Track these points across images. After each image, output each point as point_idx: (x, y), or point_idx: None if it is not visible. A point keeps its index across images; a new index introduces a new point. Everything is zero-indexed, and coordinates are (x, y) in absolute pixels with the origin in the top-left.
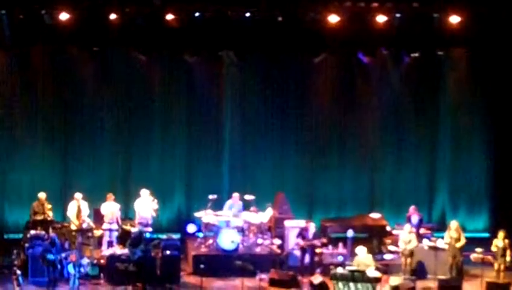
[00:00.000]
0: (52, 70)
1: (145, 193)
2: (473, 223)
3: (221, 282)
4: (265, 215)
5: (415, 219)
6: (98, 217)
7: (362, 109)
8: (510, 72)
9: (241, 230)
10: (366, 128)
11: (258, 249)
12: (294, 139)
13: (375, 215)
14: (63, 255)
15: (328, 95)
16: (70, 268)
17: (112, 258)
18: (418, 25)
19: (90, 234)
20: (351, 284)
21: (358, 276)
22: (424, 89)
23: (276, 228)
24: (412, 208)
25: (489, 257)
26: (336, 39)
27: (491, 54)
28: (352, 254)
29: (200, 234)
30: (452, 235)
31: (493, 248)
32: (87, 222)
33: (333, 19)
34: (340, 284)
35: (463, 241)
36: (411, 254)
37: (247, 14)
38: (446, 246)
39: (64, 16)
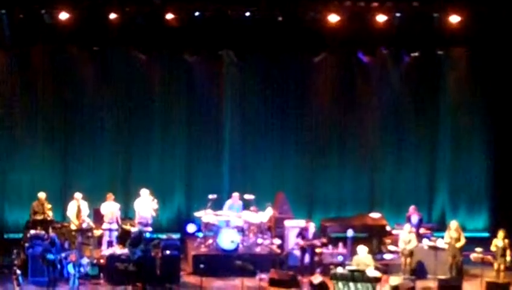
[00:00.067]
0: (52, 70)
1: (145, 192)
2: (472, 222)
3: (221, 282)
4: (265, 215)
5: (414, 218)
6: (97, 217)
7: (362, 109)
8: (510, 72)
9: (241, 230)
10: (366, 128)
11: (258, 249)
12: (294, 139)
13: (375, 215)
14: (63, 255)
15: (328, 95)
16: (70, 268)
17: (112, 258)
18: (418, 25)
19: (90, 234)
20: (351, 284)
21: (358, 276)
22: (424, 88)
23: (276, 228)
24: (411, 208)
25: (489, 257)
26: (336, 39)
27: (491, 53)
28: (352, 254)
29: (200, 234)
30: (452, 235)
31: (492, 248)
32: (87, 222)
33: (333, 18)
34: (340, 284)
35: (463, 241)
36: (411, 253)
37: (247, 14)
38: (446, 246)
39: (64, 16)
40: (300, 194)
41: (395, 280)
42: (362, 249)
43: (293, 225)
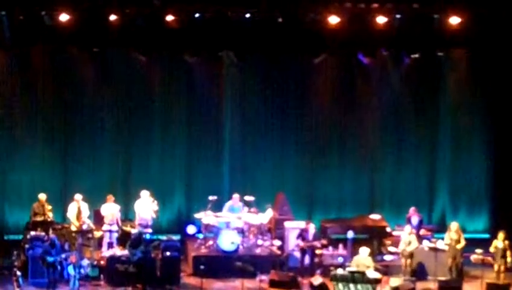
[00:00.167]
0: (52, 70)
1: (145, 194)
2: (473, 224)
3: (221, 283)
4: (265, 217)
5: (415, 220)
6: (98, 219)
7: (362, 109)
8: (510, 72)
9: (241, 231)
10: (366, 129)
11: (258, 250)
12: (294, 139)
13: (375, 216)
14: (63, 256)
15: (328, 96)
16: (70, 269)
17: (112, 259)
18: (418, 26)
19: (90, 235)
20: (351, 285)
21: (358, 277)
22: (424, 89)
23: (276, 229)
24: (412, 209)
25: (489, 258)
26: (336, 40)
27: (491, 54)
28: (352, 255)
29: (200, 235)
30: (452, 237)
31: (492, 249)
32: (87, 223)
33: (333, 19)
34: (340, 285)
35: (463, 243)
36: (411, 255)
37: (247, 15)
38: (446, 248)
39: (64, 17)
40: (300, 194)
41: (395, 281)
42: (364, 251)
43: (293, 226)
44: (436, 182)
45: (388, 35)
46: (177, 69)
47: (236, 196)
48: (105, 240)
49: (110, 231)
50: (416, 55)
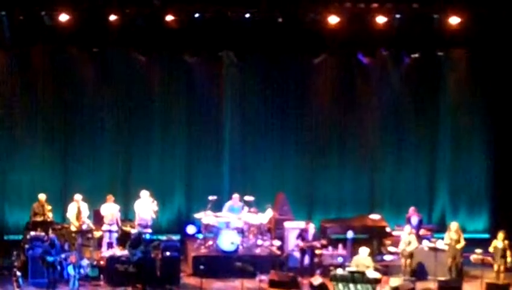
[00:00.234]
0: (52, 70)
1: (145, 194)
2: (473, 224)
3: (221, 283)
4: (265, 217)
5: (414, 220)
6: (97, 219)
7: (362, 109)
8: (510, 72)
9: (241, 231)
10: (366, 129)
11: (257, 251)
12: (294, 139)
13: (375, 216)
14: (63, 256)
15: (328, 96)
16: (70, 269)
17: (112, 259)
18: (418, 26)
19: (90, 235)
20: (351, 286)
21: (358, 277)
22: (424, 89)
23: (276, 229)
24: (411, 209)
25: (489, 258)
26: (336, 40)
27: (491, 54)
28: (352, 255)
29: (200, 235)
30: (452, 237)
31: (491, 249)
32: (87, 223)
33: (333, 19)
34: (340, 286)
35: (463, 243)
36: (411, 255)
37: (247, 15)
38: (446, 247)
39: (64, 17)
40: (300, 194)
41: (395, 281)
42: (364, 251)
43: (292, 227)
44: (436, 182)
45: (388, 35)
46: (177, 69)
47: (236, 196)
48: (105, 240)
49: (110, 231)
50: (416, 55)
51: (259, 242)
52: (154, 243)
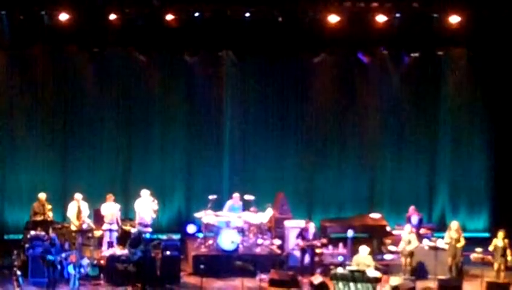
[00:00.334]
0: (52, 70)
1: (145, 193)
2: (473, 223)
3: (221, 282)
4: (265, 216)
5: (414, 219)
6: (98, 218)
7: (362, 109)
8: (510, 72)
9: (241, 230)
10: (366, 128)
11: (258, 250)
12: (294, 139)
13: (375, 215)
14: (63, 255)
15: (328, 95)
16: (70, 269)
17: (112, 258)
18: (418, 25)
19: (90, 235)
20: (351, 284)
21: (358, 276)
22: (424, 89)
23: (276, 228)
24: (411, 208)
25: (489, 257)
26: (336, 39)
27: (491, 54)
28: (352, 254)
29: (200, 235)
30: (452, 236)
31: (491, 248)
32: (87, 223)
33: (333, 19)
34: (340, 285)
35: (463, 242)
36: (411, 254)
37: (247, 14)
38: (446, 246)
39: (64, 17)
40: (300, 194)
41: (395, 280)
42: (364, 249)
43: (293, 226)
44: (436, 181)
45: (388, 34)
46: (177, 69)
47: (236, 195)
48: (105, 240)
49: (110, 230)
50: (416, 54)
51: (260, 241)
52: (155, 242)
